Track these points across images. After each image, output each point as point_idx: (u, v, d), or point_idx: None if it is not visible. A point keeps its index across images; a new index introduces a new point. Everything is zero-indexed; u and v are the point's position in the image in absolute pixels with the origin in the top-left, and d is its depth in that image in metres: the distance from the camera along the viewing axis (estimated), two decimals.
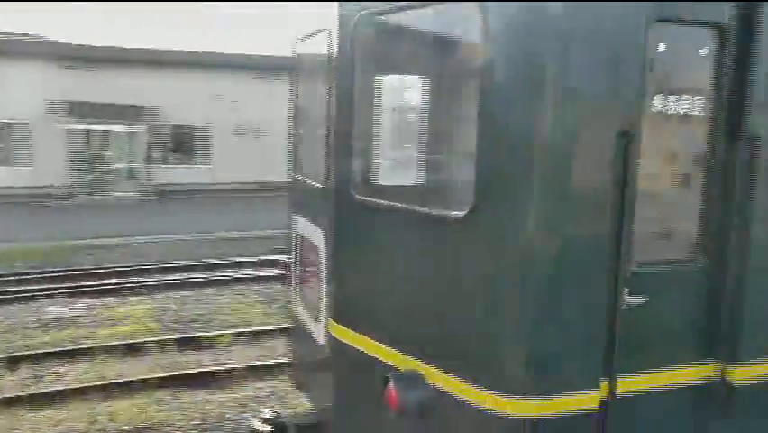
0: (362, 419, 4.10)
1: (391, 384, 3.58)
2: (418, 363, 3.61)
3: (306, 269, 4.81)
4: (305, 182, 4.92)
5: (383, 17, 3.74)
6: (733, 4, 3.41)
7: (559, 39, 3.02)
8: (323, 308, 4.40)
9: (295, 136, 5.24)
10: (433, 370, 3.54)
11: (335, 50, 3.89)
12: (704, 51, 3.50)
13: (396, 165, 4.61)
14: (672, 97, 3.51)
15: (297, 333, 5.32)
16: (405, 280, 3.70)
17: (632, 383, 3.49)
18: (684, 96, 3.55)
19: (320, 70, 4.22)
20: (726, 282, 3.63)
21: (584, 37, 3.06)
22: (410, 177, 4.58)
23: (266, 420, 5.12)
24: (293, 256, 5.16)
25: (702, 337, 3.65)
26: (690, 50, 3.54)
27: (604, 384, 3.39)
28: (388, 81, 4.28)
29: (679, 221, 3.73)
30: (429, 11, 3.59)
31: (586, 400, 3.36)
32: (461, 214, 3.35)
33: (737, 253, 3.59)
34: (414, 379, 3.58)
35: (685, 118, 3.60)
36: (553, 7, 3.00)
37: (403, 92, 4.58)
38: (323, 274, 4.34)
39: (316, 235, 4.46)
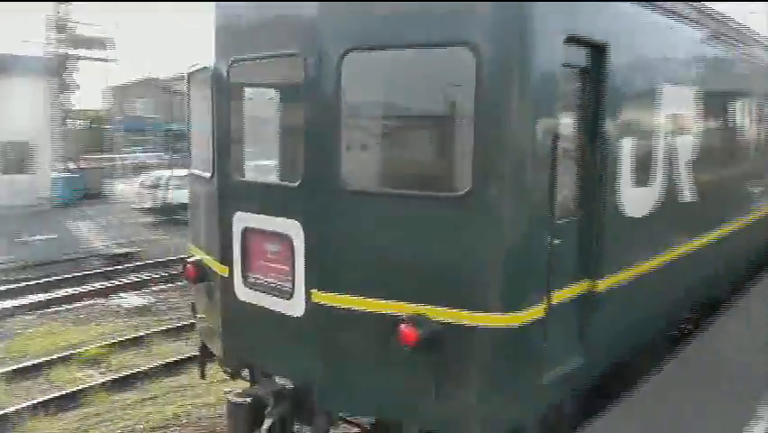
0: (354, 367, 5.27)
1: (403, 326, 4.85)
2: (421, 307, 4.90)
3: (266, 255, 5.76)
4: (252, 183, 5.88)
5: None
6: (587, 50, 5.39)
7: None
8: (299, 285, 5.45)
9: (224, 148, 6.06)
10: (436, 309, 4.87)
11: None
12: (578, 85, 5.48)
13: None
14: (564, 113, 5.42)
15: (240, 321, 6.12)
16: (404, 249, 5.03)
17: (557, 296, 5.33)
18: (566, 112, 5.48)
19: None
20: (592, 228, 5.69)
21: (533, 83, 4.79)
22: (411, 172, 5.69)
23: (241, 394, 5.89)
24: (233, 249, 6.00)
25: (583, 264, 5.66)
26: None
27: (544, 299, 5.17)
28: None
29: (570, 190, 5.66)
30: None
31: (538, 311, 5.10)
32: (460, 193, 4.85)
33: (599, 208, 5.69)
34: (421, 319, 4.91)
35: (568, 125, 5.54)
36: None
37: None
38: (300, 256, 5.40)
39: (287, 225, 5.49)
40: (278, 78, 6.35)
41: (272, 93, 6.78)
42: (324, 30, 5.04)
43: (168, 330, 13.28)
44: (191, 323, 10.30)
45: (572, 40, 5.13)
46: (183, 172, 27.83)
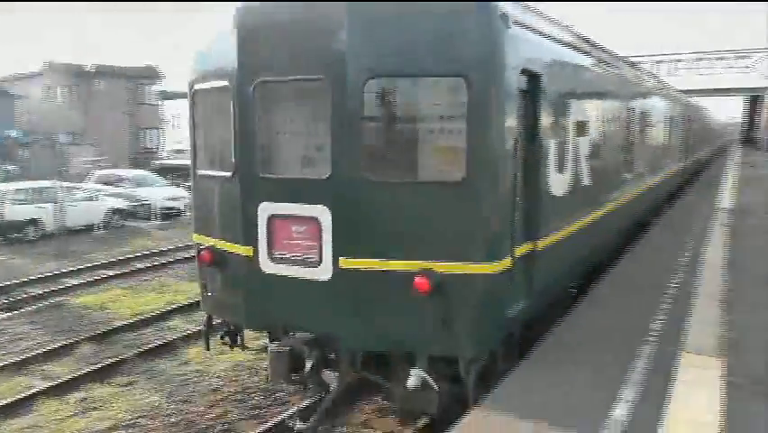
0: (375, 313, 6.97)
1: (417, 278, 6.69)
2: (428, 263, 6.72)
3: (291, 235, 7.30)
4: (278, 179, 7.49)
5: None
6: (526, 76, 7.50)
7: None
8: (327, 256, 7.08)
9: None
10: (439, 264, 6.71)
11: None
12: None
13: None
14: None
15: (264, 290, 7.54)
16: (414, 221, 6.79)
17: (518, 251, 7.41)
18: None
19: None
20: (534, 203, 7.82)
21: (503, 102, 6.80)
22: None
23: (280, 345, 7.46)
24: (258, 232, 7.43)
25: (528, 230, 7.79)
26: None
27: (510, 253, 7.21)
28: None
29: (521, 177, 7.55)
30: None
31: (507, 262, 7.10)
32: (459, 179, 6.73)
33: (537, 189, 7.87)
34: (430, 272, 6.71)
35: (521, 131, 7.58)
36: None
37: None
38: (327, 233, 7.01)
39: (316, 210, 7.07)
40: (301, 96, 7.98)
41: (293, 107, 8.34)
42: (350, 63, 6.69)
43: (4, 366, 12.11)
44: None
45: (524, 71, 7.26)
46: (26, 185, 25.68)
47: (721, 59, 61.73)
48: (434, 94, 7.19)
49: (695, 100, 34.02)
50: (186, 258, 20.95)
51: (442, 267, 6.76)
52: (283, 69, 7.13)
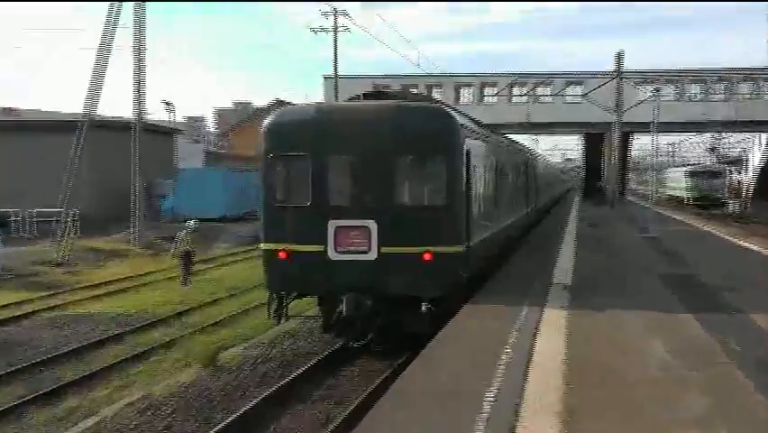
0: (399, 274, 13.14)
1: (424, 255, 13.14)
2: (426, 247, 13.17)
3: (350, 237, 13.31)
4: (340, 206, 13.55)
5: None
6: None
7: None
8: (374, 246, 13.17)
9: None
10: (433, 247, 13.17)
11: None
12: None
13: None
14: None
15: (330, 270, 13.32)
16: (420, 226, 13.31)
17: (470, 241, 14.20)
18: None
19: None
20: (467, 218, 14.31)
21: (461, 165, 13.80)
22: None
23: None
24: (328, 237, 13.32)
25: (466, 232, 14.27)
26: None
27: (465, 242, 13.92)
28: None
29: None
30: None
31: (462, 247, 13.77)
32: (443, 204, 13.53)
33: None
34: (429, 250, 13.16)
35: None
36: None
37: None
38: (374, 234, 13.16)
39: (367, 222, 13.22)
40: (356, 163, 13.72)
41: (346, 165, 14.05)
42: (388, 147, 13.37)
43: None
44: None
45: (466, 152, 14.02)
46: None
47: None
48: (429, 163, 13.84)
49: (533, 147, 40.12)
50: None
51: (434, 248, 13.28)
52: (344, 148, 13.73)
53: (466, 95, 61.94)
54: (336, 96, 47.13)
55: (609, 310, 12.87)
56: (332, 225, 13.43)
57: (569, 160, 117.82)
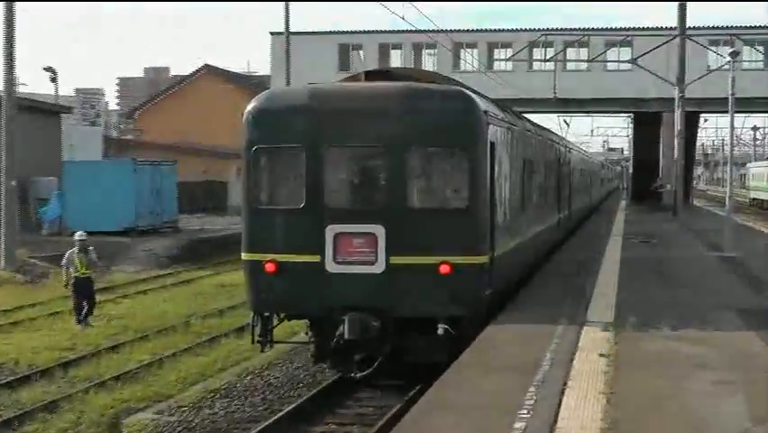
0: (413, 289, 14.72)
1: (441, 267, 14.59)
2: (444, 257, 14.64)
3: (353, 245, 14.65)
4: (343, 208, 15.03)
5: None
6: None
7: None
8: (381, 256, 14.57)
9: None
10: (452, 258, 14.68)
11: None
12: None
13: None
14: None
15: (329, 283, 14.67)
16: (439, 233, 14.93)
17: (495, 251, 16.01)
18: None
19: None
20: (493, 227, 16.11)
21: (486, 159, 15.60)
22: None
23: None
24: (326, 245, 14.60)
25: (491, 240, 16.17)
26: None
27: (490, 253, 15.81)
28: None
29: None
30: None
31: (486, 258, 15.55)
32: (464, 206, 15.14)
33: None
34: (448, 262, 14.60)
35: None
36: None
37: None
38: (382, 241, 14.55)
39: (373, 228, 14.60)
40: (360, 157, 15.42)
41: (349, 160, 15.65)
42: (398, 138, 14.80)
43: None
44: None
45: (491, 144, 15.51)
46: None
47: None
48: (449, 156, 15.48)
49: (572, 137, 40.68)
50: None
51: (454, 259, 14.73)
52: (349, 139, 15.18)
53: (469, 59, 62.09)
54: (288, 61, 47.22)
55: (667, 360, 12.92)
56: (330, 230, 14.79)
57: (612, 150, 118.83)
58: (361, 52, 65.22)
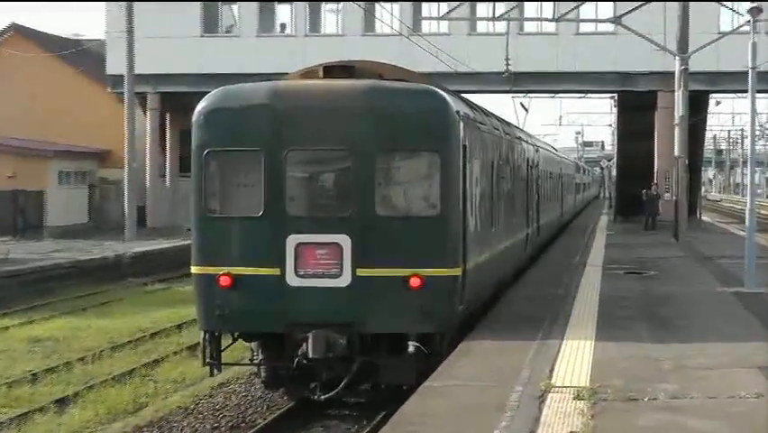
0: (380, 303, 18.53)
1: (412, 279, 18.32)
2: (412, 270, 18.38)
3: (316, 257, 18.27)
4: (305, 216, 18.74)
5: None
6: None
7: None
8: (347, 268, 18.24)
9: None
10: (422, 270, 18.45)
11: None
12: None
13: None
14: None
15: (290, 298, 18.27)
16: (410, 242, 18.76)
17: (467, 263, 20.19)
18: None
19: None
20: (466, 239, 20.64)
21: (458, 163, 19.79)
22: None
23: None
24: (287, 257, 18.16)
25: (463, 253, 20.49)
26: None
27: (462, 264, 19.90)
28: None
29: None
30: None
31: (461, 269, 19.69)
32: (435, 214, 19.05)
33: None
34: (418, 274, 18.35)
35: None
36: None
37: None
38: (347, 252, 18.20)
39: (338, 238, 18.25)
40: (323, 161, 19.06)
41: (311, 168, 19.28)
42: (365, 141, 18.55)
43: None
44: None
45: (463, 146, 19.67)
46: None
47: None
48: (419, 160, 18.97)
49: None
50: None
51: (424, 272, 18.25)
52: (311, 142, 18.66)
53: (387, 18, 61.97)
54: (131, 30, 47.09)
55: None
56: (291, 240, 18.32)
57: (588, 145, 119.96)
58: (234, 8, 65.21)
